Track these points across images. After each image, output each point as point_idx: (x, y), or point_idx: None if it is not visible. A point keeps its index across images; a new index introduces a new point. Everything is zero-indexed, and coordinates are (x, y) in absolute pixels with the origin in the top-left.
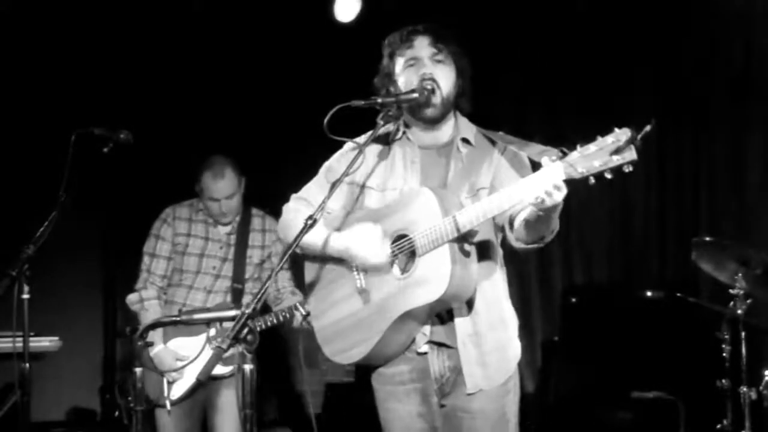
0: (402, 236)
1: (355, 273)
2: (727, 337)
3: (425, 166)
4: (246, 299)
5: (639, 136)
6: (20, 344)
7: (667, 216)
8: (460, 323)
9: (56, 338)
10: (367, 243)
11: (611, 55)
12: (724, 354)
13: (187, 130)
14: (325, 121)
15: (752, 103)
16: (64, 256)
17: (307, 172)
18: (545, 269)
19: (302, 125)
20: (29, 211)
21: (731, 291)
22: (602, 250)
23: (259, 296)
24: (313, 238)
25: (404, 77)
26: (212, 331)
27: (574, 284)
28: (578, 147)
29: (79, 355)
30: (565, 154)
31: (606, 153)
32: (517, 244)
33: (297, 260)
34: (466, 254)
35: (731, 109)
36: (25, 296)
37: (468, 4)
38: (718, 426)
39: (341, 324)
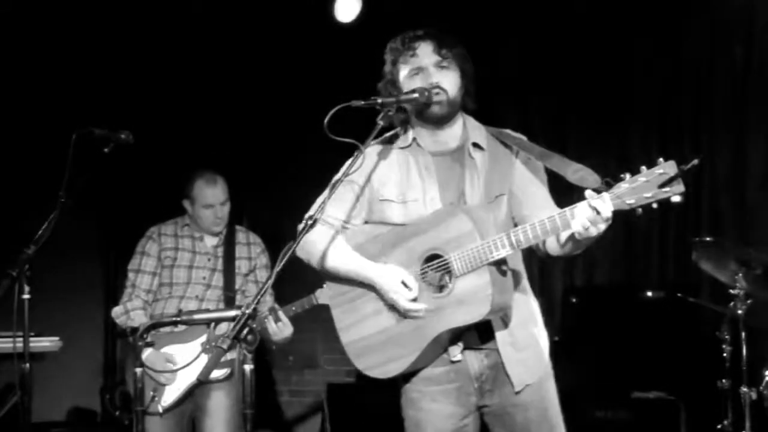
0: (435, 256)
1: None
2: (727, 337)
3: (440, 173)
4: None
5: (686, 169)
6: (20, 344)
7: (667, 216)
8: (497, 328)
9: (56, 338)
10: (394, 288)
11: (611, 55)
12: (725, 354)
13: (187, 130)
14: (326, 121)
15: (753, 104)
16: (64, 256)
17: (307, 171)
18: (546, 269)
19: (302, 125)
20: (29, 212)
21: (731, 291)
22: (603, 250)
23: (258, 297)
24: (340, 263)
25: (409, 86)
26: (204, 337)
27: (574, 284)
28: (627, 177)
29: (79, 355)
30: (609, 185)
31: (654, 185)
32: (551, 253)
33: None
34: (503, 273)
35: (732, 109)
36: (25, 296)
37: (468, 4)
38: (719, 426)
39: (372, 339)
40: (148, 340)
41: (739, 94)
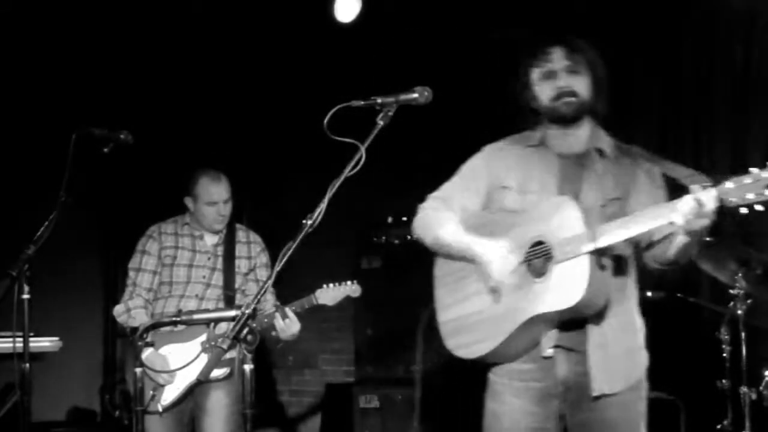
0: (540, 242)
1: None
2: (727, 337)
3: (562, 173)
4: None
5: None
6: (20, 344)
7: None
8: (591, 331)
9: (56, 338)
10: (495, 259)
11: (611, 55)
12: (724, 354)
13: (186, 131)
14: (325, 121)
15: (753, 104)
16: (64, 257)
17: (307, 171)
18: None
19: (302, 125)
20: (29, 212)
21: (731, 291)
22: None
23: (258, 297)
24: (451, 240)
25: (540, 88)
26: (204, 336)
27: None
28: (731, 177)
29: (79, 355)
30: (714, 183)
31: (760, 186)
32: (653, 265)
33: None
34: (603, 267)
35: (732, 109)
36: (25, 296)
37: (467, 4)
38: (718, 426)
39: (468, 319)
40: (148, 340)
41: (739, 94)
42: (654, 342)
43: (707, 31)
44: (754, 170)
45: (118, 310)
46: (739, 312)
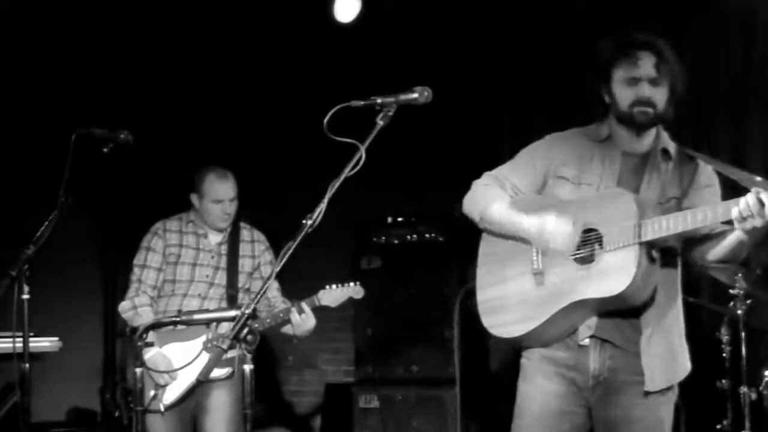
0: (591, 230)
1: (534, 254)
2: (727, 337)
3: (623, 168)
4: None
5: None
6: (20, 344)
7: None
8: (634, 328)
9: (56, 338)
10: (560, 229)
11: None
12: (724, 354)
13: (186, 131)
14: (325, 121)
15: (753, 104)
16: (64, 257)
17: (307, 170)
18: None
19: (302, 125)
20: (29, 211)
21: (731, 291)
22: None
23: (258, 296)
24: (500, 216)
25: (621, 91)
26: (209, 335)
27: None
28: None
29: (79, 355)
30: None
31: None
32: (700, 262)
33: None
34: (652, 260)
35: (732, 109)
36: (25, 296)
37: (466, 4)
38: (718, 426)
39: (508, 299)
40: (148, 340)
41: (739, 94)
42: None
43: (707, 31)
44: None
45: (124, 306)
46: (739, 312)
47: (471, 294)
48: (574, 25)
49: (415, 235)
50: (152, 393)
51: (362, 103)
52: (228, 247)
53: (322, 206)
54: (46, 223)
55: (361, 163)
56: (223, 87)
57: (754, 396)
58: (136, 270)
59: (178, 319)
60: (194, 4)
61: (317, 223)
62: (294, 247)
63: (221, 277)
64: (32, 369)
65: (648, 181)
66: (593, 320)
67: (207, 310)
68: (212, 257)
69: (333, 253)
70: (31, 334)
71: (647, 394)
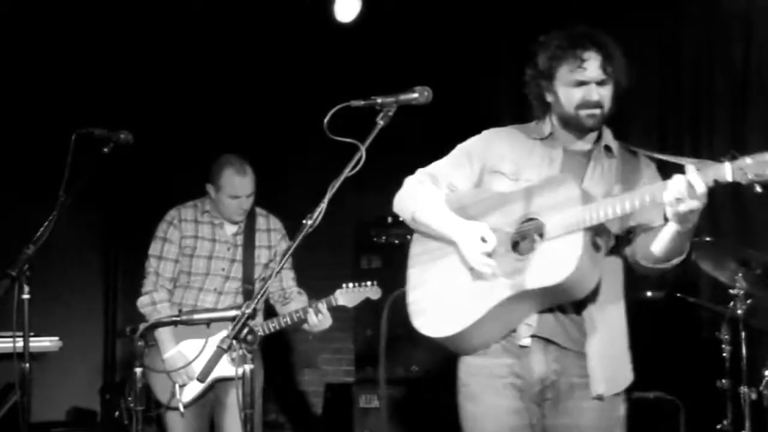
0: (532, 219)
1: None
2: (727, 337)
3: (565, 164)
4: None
5: None
6: (20, 344)
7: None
8: (581, 331)
9: (56, 338)
10: (470, 242)
11: None
12: (724, 354)
13: (187, 131)
14: (325, 120)
15: (753, 104)
16: (64, 257)
17: (308, 170)
18: None
19: (302, 125)
20: (29, 211)
21: (731, 291)
22: None
23: (258, 296)
24: (428, 216)
25: (566, 92)
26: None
27: None
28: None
29: (79, 355)
30: (734, 157)
31: None
32: (646, 264)
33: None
34: (597, 248)
35: (732, 109)
36: (25, 296)
37: (466, 4)
38: (718, 426)
39: (441, 297)
40: (148, 341)
41: (739, 94)
42: (654, 342)
43: (707, 31)
44: None
45: (143, 301)
46: (739, 312)
47: (402, 300)
48: (574, 25)
49: None
50: (171, 391)
51: (362, 103)
52: (244, 237)
53: (323, 206)
54: (46, 223)
55: (362, 163)
56: (223, 87)
57: (754, 396)
58: (153, 261)
59: (178, 319)
60: (194, 4)
61: (317, 223)
62: (294, 247)
63: (237, 270)
64: (32, 369)
65: (591, 177)
66: (533, 317)
67: (207, 310)
68: (228, 249)
69: (333, 253)
70: (31, 333)
71: (597, 399)
